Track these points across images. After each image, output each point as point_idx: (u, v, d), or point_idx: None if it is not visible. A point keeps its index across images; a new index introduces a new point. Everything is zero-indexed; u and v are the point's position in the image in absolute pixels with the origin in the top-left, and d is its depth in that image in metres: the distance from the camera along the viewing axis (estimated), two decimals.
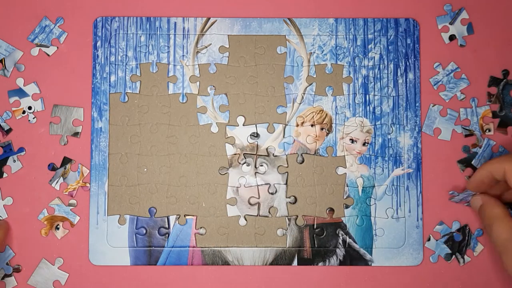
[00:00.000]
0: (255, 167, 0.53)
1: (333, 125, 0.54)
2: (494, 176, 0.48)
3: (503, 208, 0.48)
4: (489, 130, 0.54)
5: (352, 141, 0.54)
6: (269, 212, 0.53)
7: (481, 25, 0.55)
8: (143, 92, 0.54)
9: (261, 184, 0.53)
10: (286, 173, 0.53)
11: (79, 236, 0.53)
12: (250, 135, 0.54)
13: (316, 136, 0.54)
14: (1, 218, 0.53)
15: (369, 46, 0.54)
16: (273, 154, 0.54)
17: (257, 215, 0.53)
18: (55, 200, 0.53)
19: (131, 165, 0.53)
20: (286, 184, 0.53)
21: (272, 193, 0.53)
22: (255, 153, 0.54)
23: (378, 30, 0.54)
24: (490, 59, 0.54)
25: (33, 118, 0.53)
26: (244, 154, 0.53)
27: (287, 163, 0.53)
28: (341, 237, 0.53)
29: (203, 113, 0.54)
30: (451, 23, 0.55)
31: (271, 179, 0.53)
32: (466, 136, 0.54)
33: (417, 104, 0.54)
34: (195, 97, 0.54)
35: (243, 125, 0.54)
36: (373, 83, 0.54)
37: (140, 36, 0.54)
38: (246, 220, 0.53)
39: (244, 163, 0.53)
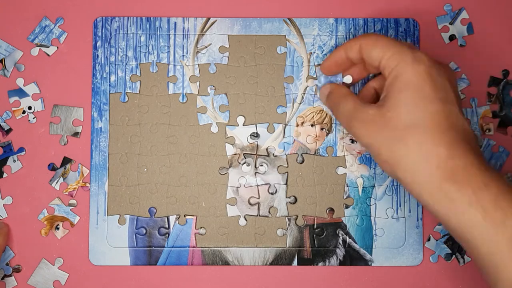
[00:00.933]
0: (255, 167, 0.53)
1: (333, 125, 0.54)
2: (348, 56, 0.48)
3: (347, 89, 0.50)
4: (489, 130, 0.54)
5: (352, 141, 0.54)
6: (269, 212, 0.53)
7: (481, 25, 0.55)
8: (143, 92, 0.54)
9: (261, 184, 0.53)
10: (286, 173, 0.53)
11: (79, 236, 0.53)
12: (250, 135, 0.54)
13: (316, 136, 0.54)
14: (1, 218, 0.53)
15: None
16: (273, 154, 0.54)
17: (257, 215, 0.53)
18: (55, 200, 0.53)
19: (131, 165, 0.53)
20: (286, 184, 0.53)
21: (272, 193, 0.53)
22: (255, 153, 0.54)
23: (378, 30, 0.54)
24: (490, 59, 0.54)
25: (33, 118, 0.53)
26: (244, 154, 0.53)
27: (287, 163, 0.53)
28: (341, 237, 0.53)
29: (203, 113, 0.54)
30: (451, 23, 0.55)
31: (271, 179, 0.53)
32: None
33: None
34: (195, 97, 0.54)
35: (243, 125, 0.54)
36: None
37: (140, 36, 0.54)
38: (246, 220, 0.53)
39: (244, 163, 0.53)
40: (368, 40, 0.47)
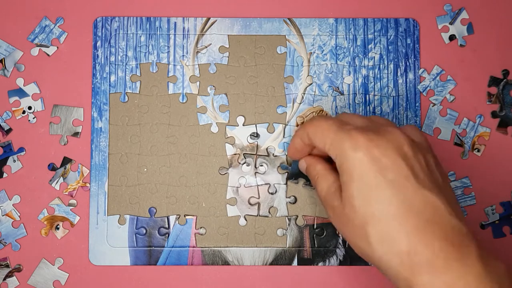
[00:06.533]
0: (255, 167, 0.53)
1: None
2: (304, 142, 0.47)
3: (324, 165, 0.46)
4: (478, 151, 0.54)
5: None
6: (269, 212, 0.53)
7: (481, 25, 0.55)
8: (143, 92, 0.54)
9: (261, 184, 0.53)
10: (286, 173, 0.53)
11: (79, 236, 0.53)
12: (250, 135, 0.54)
13: None
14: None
15: (369, 46, 0.54)
16: (273, 154, 0.54)
17: (257, 215, 0.53)
18: (55, 200, 0.53)
19: (131, 165, 0.53)
20: (286, 184, 0.53)
21: (272, 193, 0.53)
22: (255, 153, 0.54)
23: (378, 30, 0.54)
24: (490, 59, 0.55)
25: (33, 118, 0.53)
26: (244, 154, 0.53)
27: (287, 163, 0.53)
28: (341, 237, 0.53)
29: (203, 113, 0.54)
30: (451, 23, 0.55)
31: (271, 179, 0.53)
32: (455, 144, 0.54)
33: (417, 104, 0.54)
34: (195, 97, 0.54)
35: (243, 125, 0.54)
36: (373, 83, 0.54)
37: (140, 36, 0.54)
38: (246, 220, 0.53)
39: (244, 163, 0.53)
40: (310, 127, 0.45)
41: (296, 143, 0.48)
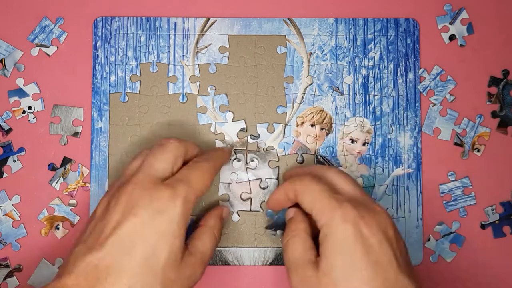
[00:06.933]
0: (246, 162, 0.53)
1: (333, 125, 0.54)
2: (288, 197, 0.46)
3: (307, 228, 0.45)
4: (478, 151, 0.54)
5: (352, 141, 0.54)
6: (260, 207, 0.53)
7: (481, 25, 0.55)
8: (143, 92, 0.54)
9: (253, 179, 0.53)
10: (277, 168, 0.53)
11: None
12: (250, 135, 0.54)
13: (316, 136, 0.54)
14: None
15: (369, 46, 0.54)
16: (263, 148, 0.53)
17: (250, 210, 0.53)
18: (55, 200, 0.53)
19: None
20: (277, 178, 0.53)
21: (263, 188, 0.53)
22: (245, 148, 0.54)
23: (378, 30, 0.54)
24: (490, 59, 0.55)
25: (33, 118, 0.53)
26: (234, 150, 0.53)
27: (278, 157, 0.53)
28: None
29: (203, 113, 0.54)
30: (451, 23, 0.55)
31: (262, 173, 0.53)
32: (455, 144, 0.54)
33: (417, 104, 0.54)
34: (195, 97, 0.54)
35: (232, 121, 0.54)
36: (373, 83, 0.54)
37: (140, 36, 0.54)
38: (239, 215, 0.53)
39: (235, 159, 0.53)
40: (300, 186, 0.44)
41: (280, 195, 0.47)
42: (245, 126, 0.54)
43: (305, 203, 0.44)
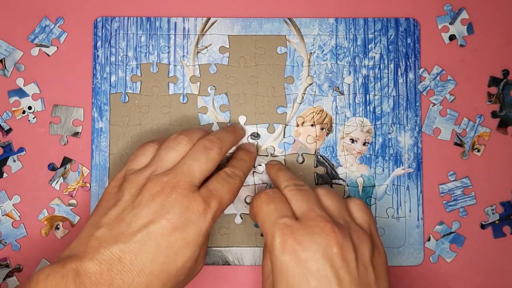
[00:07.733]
0: (254, 166, 0.53)
1: (333, 125, 0.54)
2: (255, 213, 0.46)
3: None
4: (478, 151, 0.54)
5: (353, 141, 0.54)
6: None
7: (481, 25, 0.55)
8: (143, 92, 0.54)
9: (258, 184, 0.53)
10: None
11: None
12: (251, 135, 0.54)
13: (316, 136, 0.54)
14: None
15: (370, 46, 0.54)
16: (271, 154, 0.54)
17: None
18: (55, 200, 0.53)
19: None
20: None
21: None
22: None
23: (378, 29, 0.54)
24: (490, 59, 0.55)
25: (33, 118, 0.53)
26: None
27: (285, 164, 0.53)
28: None
29: (203, 113, 0.54)
30: (451, 23, 0.55)
31: (268, 179, 0.53)
32: (455, 144, 0.54)
33: (417, 104, 0.54)
34: (196, 97, 0.54)
35: (244, 124, 0.54)
36: (373, 83, 0.54)
37: (141, 36, 0.54)
38: (242, 218, 0.53)
39: None
40: (256, 206, 0.45)
41: (251, 210, 0.47)
42: (256, 131, 0.54)
43: (259, 225, 0.44)
